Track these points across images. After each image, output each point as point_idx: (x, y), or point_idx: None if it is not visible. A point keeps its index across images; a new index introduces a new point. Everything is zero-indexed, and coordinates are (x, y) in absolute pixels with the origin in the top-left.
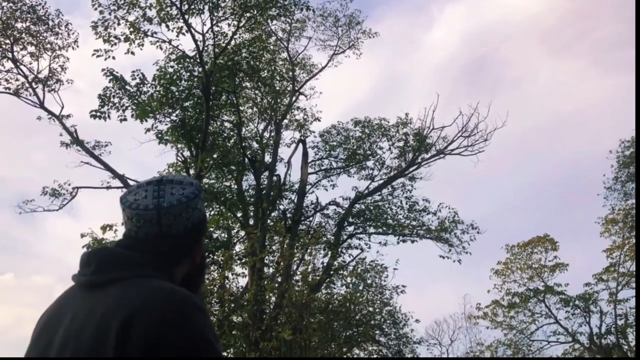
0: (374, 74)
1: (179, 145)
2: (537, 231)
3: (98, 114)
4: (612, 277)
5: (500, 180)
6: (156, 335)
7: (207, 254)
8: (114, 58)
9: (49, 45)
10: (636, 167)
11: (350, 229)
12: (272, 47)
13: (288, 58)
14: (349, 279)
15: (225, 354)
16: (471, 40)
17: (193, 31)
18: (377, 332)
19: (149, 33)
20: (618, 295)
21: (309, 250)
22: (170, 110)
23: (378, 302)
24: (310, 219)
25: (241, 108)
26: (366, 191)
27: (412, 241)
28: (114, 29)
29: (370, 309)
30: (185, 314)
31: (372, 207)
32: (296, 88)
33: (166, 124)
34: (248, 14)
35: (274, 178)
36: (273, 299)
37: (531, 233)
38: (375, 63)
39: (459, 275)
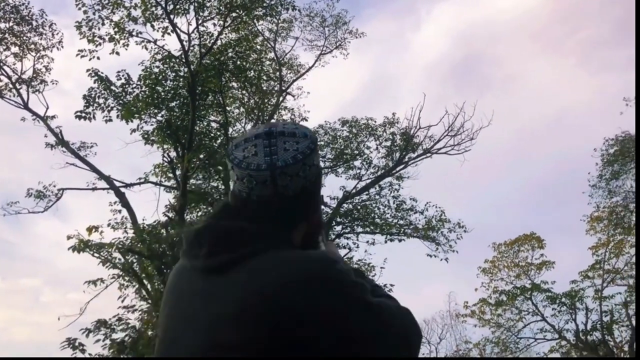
0: (363, 75)
1: (165, 146)
2: (524, 229)
3: (83, 114)
4: (598, 274)
5: (488, 178)
6: (309, 314)
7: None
8: (98, 58)
9: (32, 46)
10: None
11: (338, 228)
12: (259, 47)
13: (275, 58)
14: None
15: None
16: (460, 40)
17: (178, 31)
18: None
19: (134, 33)
20: (603, 292)
21: None
22: (156, 111)
23: None
24: None
25: (228, 108)
26: (354, 191)
27: (400, 240)
28: (99, 29)
29: None
30: (331, 279)
31: (359, 207)
32: (283, 88)
33: (152, 125)
34: (234, 14)
35: None
36: None
37: (518, 231)
38: (364, 64)
39: (447, 273)
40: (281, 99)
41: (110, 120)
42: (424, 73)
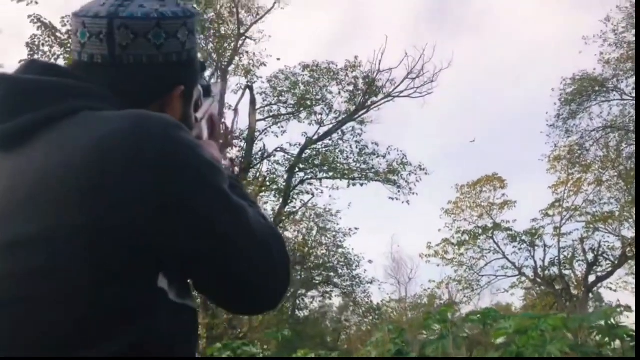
0: (335, 17)
1: None
2: (487, 170)
3: None
4: (558, 212)
5: (451, 121)
6: (140, 191)
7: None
8: (36, 2)
9: None
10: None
11: (301, 174)
12: None
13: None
14: (303, 225)
15: None
16: None
17: None
18: (332, 274)
19: None
20: (562, 229)
21: (258, 199)
22: None
23: (331, 245)
24: (258, 166)
25: None
26: (316, 136)
27: (361, 184)
28: None
29: (325, 252)
30: (176, 145)
31: (323, 151)
32: (242, 32)
33: None
34: None
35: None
36: None
37: (481, 172)
38: (336, 5)
39: (414, 215)
40: (240, 42)
41: None
42: (396, 13)
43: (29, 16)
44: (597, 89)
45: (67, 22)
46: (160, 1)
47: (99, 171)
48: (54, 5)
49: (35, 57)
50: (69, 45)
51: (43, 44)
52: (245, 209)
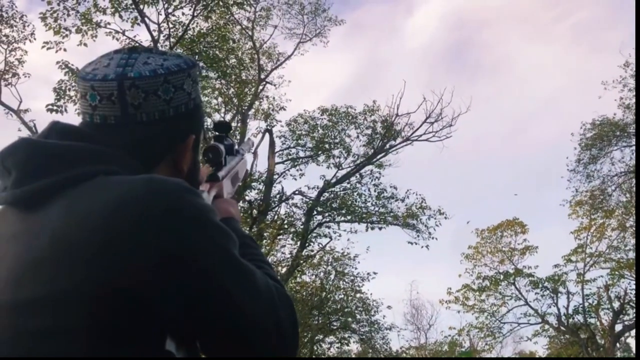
0: (356, 62)
1: None
2: (510, 214)
3: (54, 107)
4: (580, 258)
5: (471, 165)
6: (147, 254)
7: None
8: (65, 50)
9: (4, 38)
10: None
11: (319, 217)
12: (237, 35)
13: (253, 47)
14: (321, 269)
15: None
16: (451, 25)
17: (147, 21)
18: (349, 319)
19: (102, 24)
20: (586, 275)
21: (275, 241)
22: None
23: (349, 289)
24: (276, 209)
25: (205, 98)
26: (334, 180)
27: (380, 228)
28: (64, 20)
29: (343, 296)
30: (187, 209)
31: (340, 194)
32: (262, 77)
33: None
34: (204, 2)
35: None
36: None
37: (502, 217)
38: (357, 50)
39: (435, 260)
40: (260, 88)
41: None
42: (416, 59)
43: (57, 62)
44: (617, 133)
45: None
46: (162, 55)
47: (108, 235)
48: (81, 51)
49: (62, 101)
50: None
51: (69, 89)
52: (253, 273)
